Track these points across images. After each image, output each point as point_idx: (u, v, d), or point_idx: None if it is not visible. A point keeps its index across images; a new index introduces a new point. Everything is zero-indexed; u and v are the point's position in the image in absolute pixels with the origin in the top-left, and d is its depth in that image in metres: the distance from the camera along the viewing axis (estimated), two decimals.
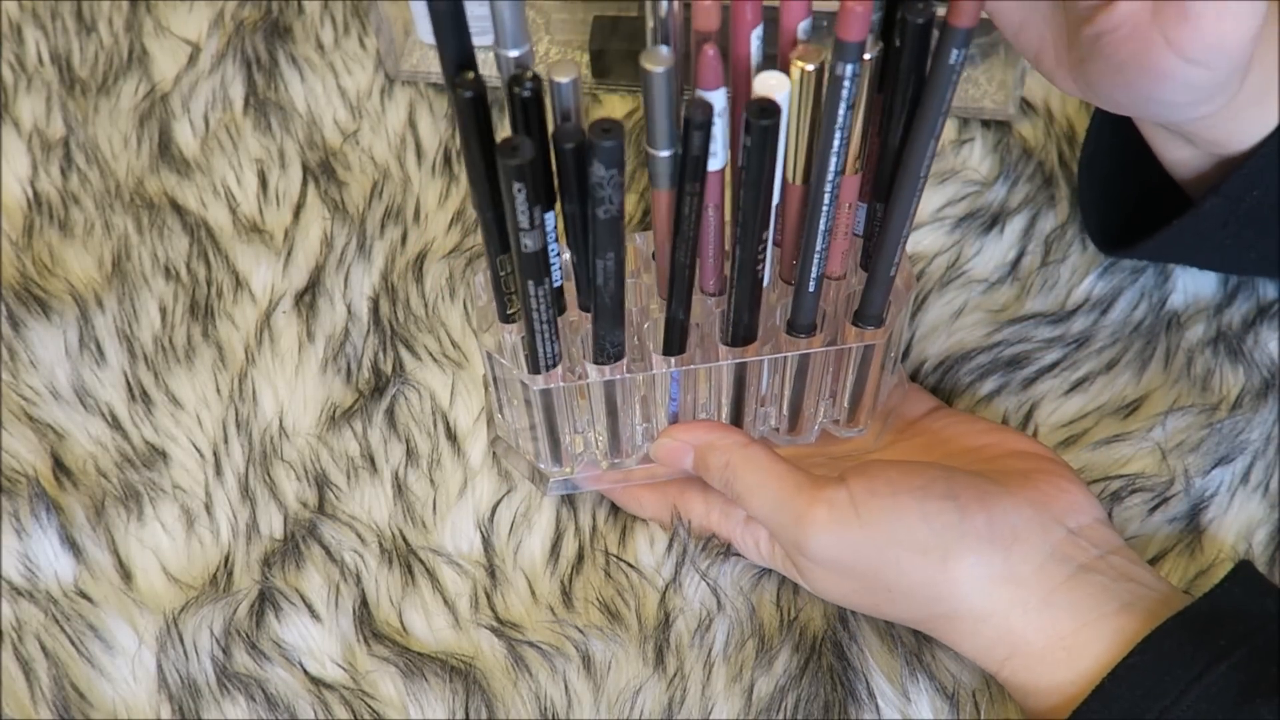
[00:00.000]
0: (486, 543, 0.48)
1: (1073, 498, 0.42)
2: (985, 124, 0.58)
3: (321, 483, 0.49)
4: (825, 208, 0.37)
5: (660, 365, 0.42)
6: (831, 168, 0.36)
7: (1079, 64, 0.39)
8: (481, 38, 0.33)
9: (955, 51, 0.33)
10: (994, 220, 0.55)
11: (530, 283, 0.36)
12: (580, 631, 0.45)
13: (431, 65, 0.60)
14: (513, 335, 0.41)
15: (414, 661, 0.45)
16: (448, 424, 0.50)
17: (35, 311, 0.53)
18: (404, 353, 0.52)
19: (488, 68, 0.41)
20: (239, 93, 0.60)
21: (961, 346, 0.52)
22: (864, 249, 0.42)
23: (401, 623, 0.46)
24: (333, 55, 0.61)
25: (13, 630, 0.46)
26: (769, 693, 0.44)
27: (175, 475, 0.49)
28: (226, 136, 0.59)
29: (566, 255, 0.40)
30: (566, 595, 0.46)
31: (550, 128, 0.34)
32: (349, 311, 0.53)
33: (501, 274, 0.38)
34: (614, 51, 0.59)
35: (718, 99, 0.33)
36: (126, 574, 0.47)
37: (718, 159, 0.35)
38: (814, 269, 0.39)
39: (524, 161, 0.32)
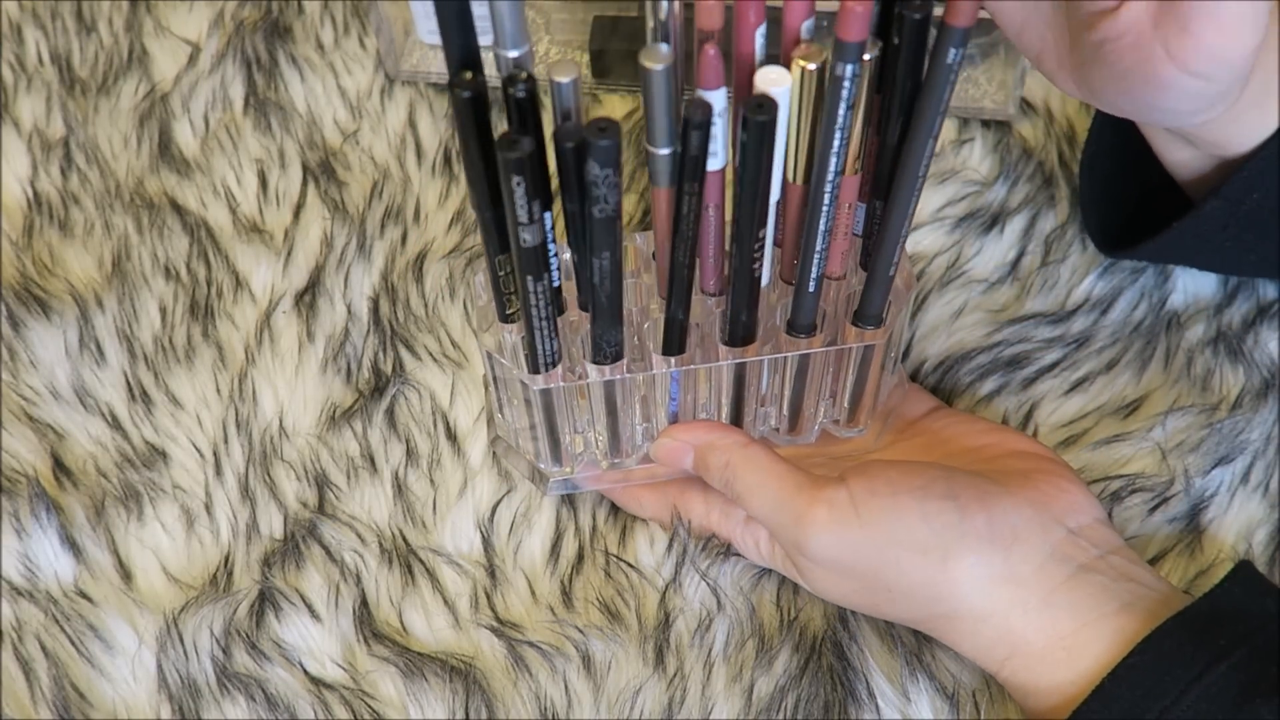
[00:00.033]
0: (486, 543, 0.48)
1: (1073, 498, 0.42)
2: (985, 124, 0.58)
3: (321, 483, 0.49)
4: (825, 208, 0.37)
5: (660, 365, 0.42)
6: (831, 168, 0.36)
7: (1081, 67, 0.39)
8: (483, 38, 0.33)
9: (953, 50, 0.33)
10: (994, 220, 0.55)
11: (529, 278, 0.36)
12: (580, 631, 0.45)
13: (431, 65, 0.60)
14: (513, 335, 0.41)
15: (414, 661, 0.45)
16: (448, 424, 0.50)
17: (35, 311, 0.53)
18: (404, 353, 0.52)
19: (491, 68, 0.41)
20: (239, 93, 0.60)
21: (961, 346, 0.52)
22: (864, 249, 0.42)
23: (401, 623, 0.46)
24: (333, 55, 0.61)
25: (13, 630, 0.46)
26: (769, 693, 0.44)
27: (175, 475, 0.49)
28: (226, 136, 0.59)
29: (567, 255, 0.40)
30: (566, 595, 0.46)
31: (547, 127, 0.34)
32: (349, 311, 0.53)
33: (501, 274, 0.39)
34: (614, 51, 0.59)
35: (718, 99, 0.33)
36: (126, 574, 0.47)
37: (718, 159, 0.35)
38: (814, 269, 0.39)
39: (523, 155, 0.32)
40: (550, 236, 0.36)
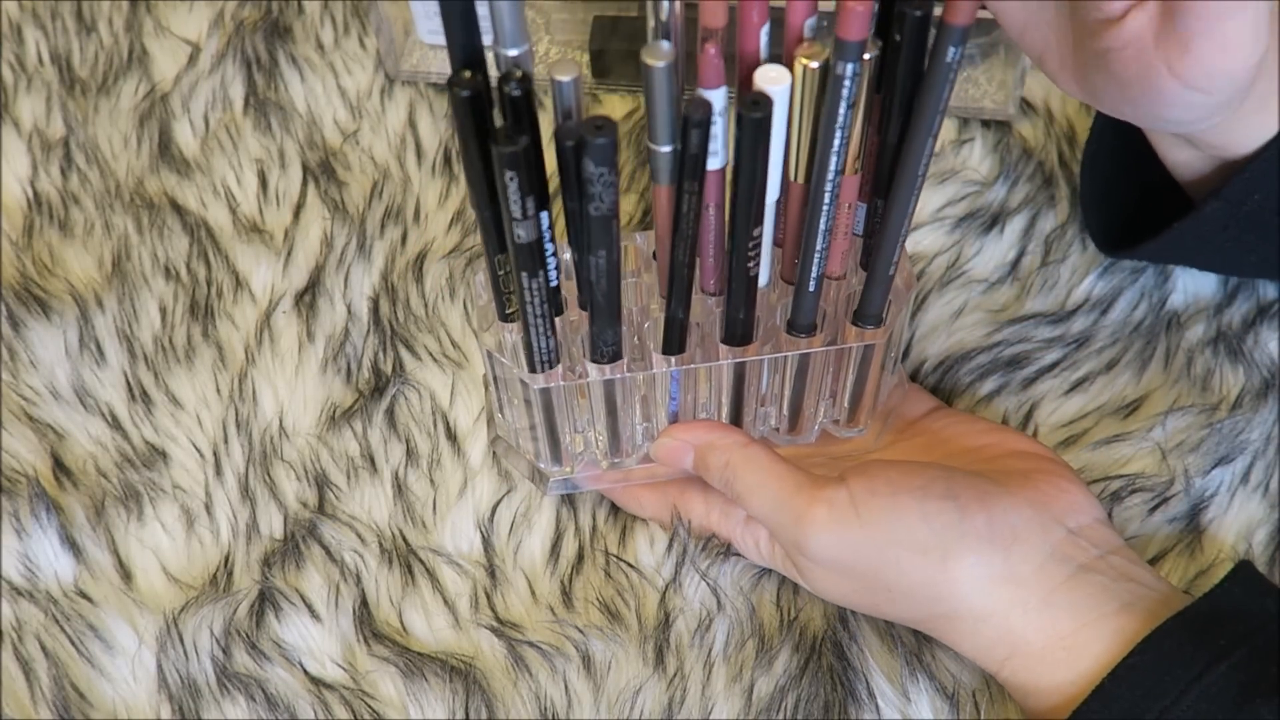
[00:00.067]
0: (486, 543, 0.48)
1: (1073, 498, 0.42)
2: (985, 124, 0.58)
3: (321, 483, 0.49)
4: (825, 207, 0.37)
5: (660, 365, 0.42)
6: (832, 167, 0.36)
7: (1083, 71, 0.39)
8: (485, 37, 0.33)
9: (952, 49, 0.33)
10: (994, 220, 0.55)
11: (524, 274, 0.36)
12: (580, 631, 0.45)
13: (431, 65, 0.60)
14: (513, 334, 0.41)
15: (414, 661, 0.45)
16: (448, 424, 0.50)
17: (35, 311, 0.53)
18: (404, 353, 0.52)
19: (494, 68, 0.41)
20: (239, 93, 0.60)
21: (961, 346, 0.52)
22: (864, 248, 0.42)
23: (401, 623, 0.46)
24: (333, 55, 0.61)
25: (13, 630, 0.46)
26: (769, 693, 0.44)
27: (175, 475, 0.49)
28: (226, 136, 0.59)
29: (568, 255, 0.40)
30: (566, 595, 0.46)
31: (544, 127, 0.34)
32: (349, 311, 0.53)
33: (500, 273, 0.39)
34: (614, 51, 0.59)
35: (718, 98, 0.33)
36: (126, 574, 0.47)
37: (718, 158, 0.35)
38: (814, 269, 0.39)
39: (517, 150, 0.32)
40: (548, 235, 0.36)
